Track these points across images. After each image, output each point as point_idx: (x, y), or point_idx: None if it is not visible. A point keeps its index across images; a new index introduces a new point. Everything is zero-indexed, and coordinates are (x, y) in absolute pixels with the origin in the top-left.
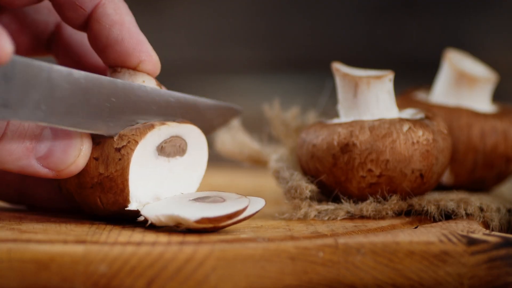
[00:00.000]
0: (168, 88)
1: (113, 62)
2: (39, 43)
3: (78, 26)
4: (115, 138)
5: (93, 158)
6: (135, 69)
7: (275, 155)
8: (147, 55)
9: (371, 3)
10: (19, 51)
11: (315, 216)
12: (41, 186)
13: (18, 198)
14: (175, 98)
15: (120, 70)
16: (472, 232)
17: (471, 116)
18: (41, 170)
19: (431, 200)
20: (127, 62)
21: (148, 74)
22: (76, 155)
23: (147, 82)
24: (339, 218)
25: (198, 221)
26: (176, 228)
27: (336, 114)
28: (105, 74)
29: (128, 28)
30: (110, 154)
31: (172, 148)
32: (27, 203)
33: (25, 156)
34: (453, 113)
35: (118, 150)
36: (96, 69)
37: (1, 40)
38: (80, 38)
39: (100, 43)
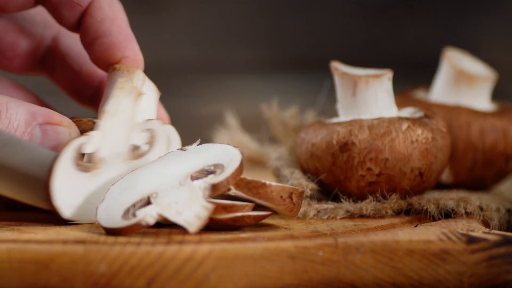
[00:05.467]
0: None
1: (98, 55)
2: (34, 58)
3: (72, 25)
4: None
5: None
6: (117, 63)
7: (275, 154)
8: (132, 53)
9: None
10: (12, 67)
11: (314, 215)
12: None
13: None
14: None
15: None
16: (472, 231)
17: (470, 115)
18: None
19: (431, 199)
20: (111, 56)
21: None
22: None
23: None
24: (338, 217)
25: None
26: None
27: (335, 113)
28: (103, 82)
29: (118, 25)
30: None
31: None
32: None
33: None
34: (452, 111)
35: None
36: (94, 77)
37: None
38: (78, 48)
39: (89, 36)
